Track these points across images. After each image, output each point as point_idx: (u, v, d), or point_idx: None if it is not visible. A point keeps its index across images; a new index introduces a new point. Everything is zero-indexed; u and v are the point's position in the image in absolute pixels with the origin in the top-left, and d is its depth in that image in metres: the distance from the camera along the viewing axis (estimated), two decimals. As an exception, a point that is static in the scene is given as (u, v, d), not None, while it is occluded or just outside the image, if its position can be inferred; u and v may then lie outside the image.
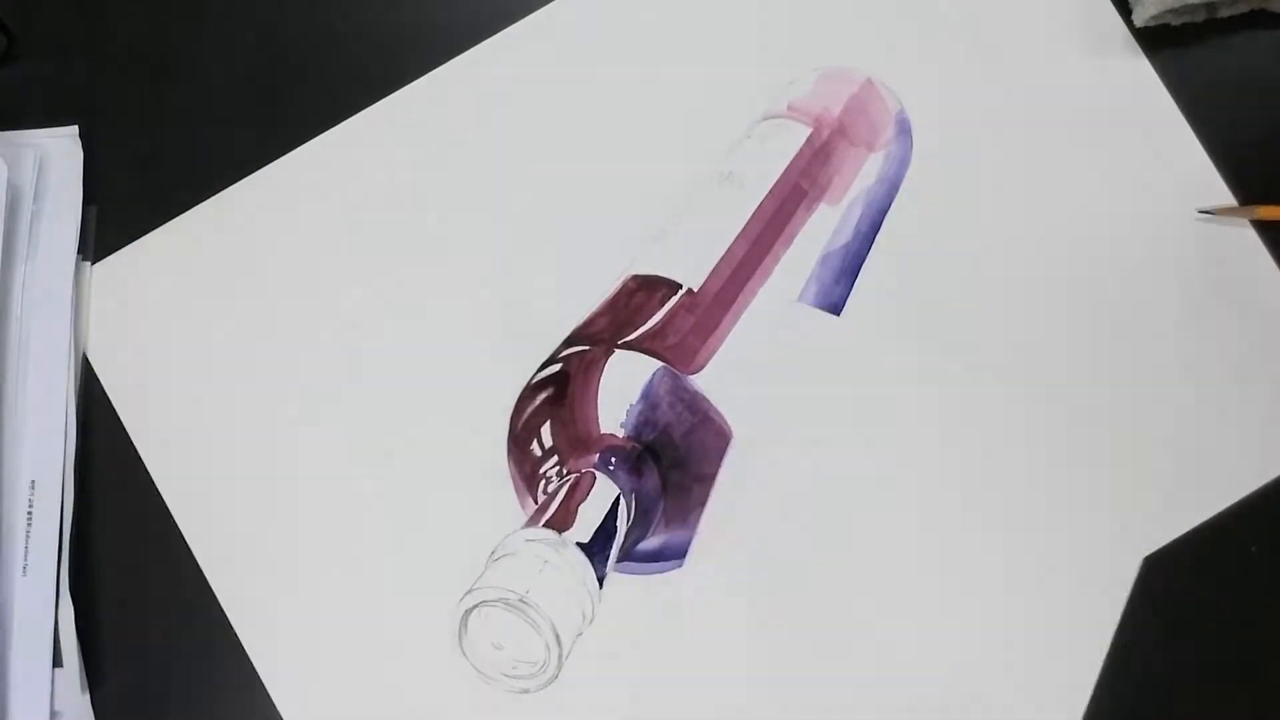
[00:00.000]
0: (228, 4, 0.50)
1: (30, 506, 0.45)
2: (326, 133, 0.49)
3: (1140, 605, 0.44)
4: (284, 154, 0.48)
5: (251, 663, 0.45)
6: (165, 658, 0.46)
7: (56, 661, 0.44)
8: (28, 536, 0.45)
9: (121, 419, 0.46)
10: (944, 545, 0.45)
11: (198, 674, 0.45)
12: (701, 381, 0.43)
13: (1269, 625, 0.45)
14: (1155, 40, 0.48)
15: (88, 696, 0.45)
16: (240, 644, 0.45)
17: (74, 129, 0.48)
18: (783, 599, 0.45)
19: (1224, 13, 0.47)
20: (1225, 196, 0.47)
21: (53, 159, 0.48)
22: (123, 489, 0.46)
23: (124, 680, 0.46)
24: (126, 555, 0.46)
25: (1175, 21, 0.47)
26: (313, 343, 0.47)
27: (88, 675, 0.45)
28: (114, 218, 0.48)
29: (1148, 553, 0.44)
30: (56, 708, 0.44)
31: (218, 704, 0.45)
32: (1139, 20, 0.47)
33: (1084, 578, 0.44)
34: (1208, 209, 0.47)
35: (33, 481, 0.45)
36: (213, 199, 0.48)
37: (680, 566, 0.44)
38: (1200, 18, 0.47)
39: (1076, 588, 0.44)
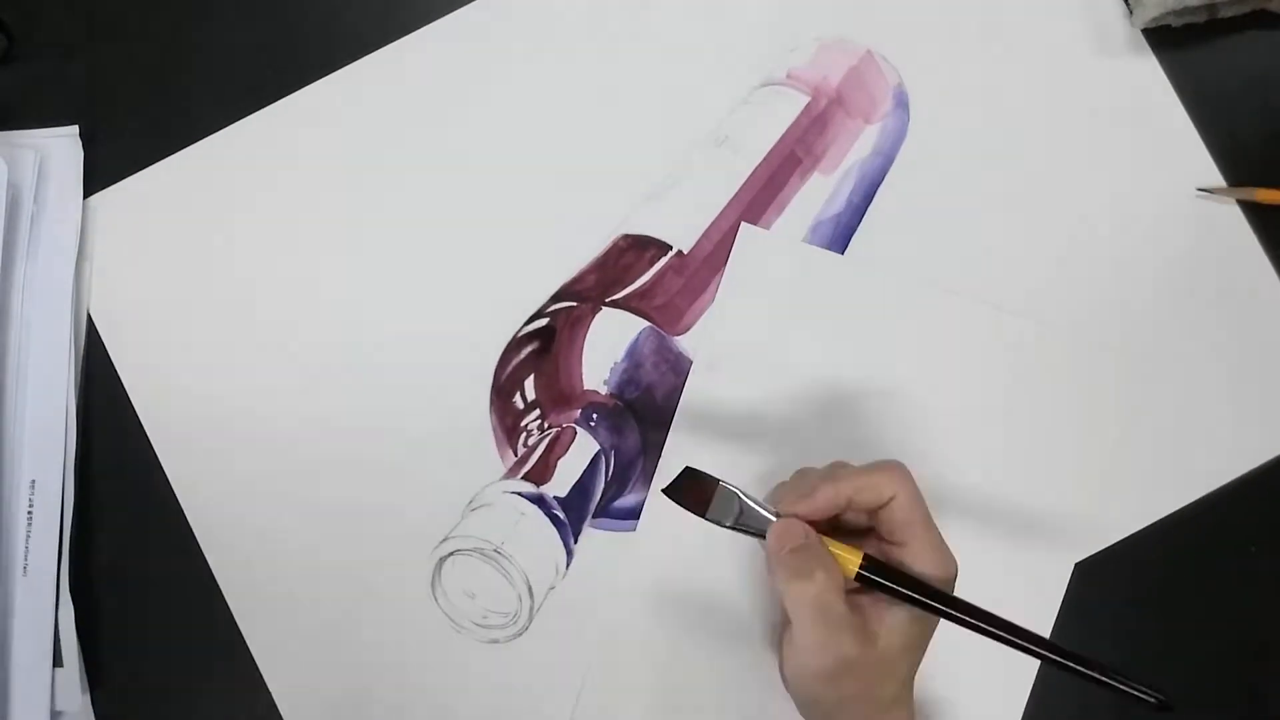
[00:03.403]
0: (227, 5, 0.50)
1: (30, 506, 0.44)
2: (323, 79, 0.48)
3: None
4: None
5: (252, 658, 0.44)
6: (165, 658, 0.45)
7: (56, 661, 0.44)
8: (28, 536, 0.44)
9: (121, 377, 0.46)
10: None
11: (198, 674, 0.45)
12: (686, 343, 0.43)
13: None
14: (1157, 39, 0.48)
15: (88, 696, 0.44)
16: (240, 635, 0.44)
17: (74, 129, 0.47)
18: (747, 564, 0.44)
19: (1225, 13, 0.47)
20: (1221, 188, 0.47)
21: (53, 159, 0.47)
22: (123, 490, 0.46)
23: (124, 680, 0.45)
24: (126, 555, 0.46)
25: (1176, 23, 0.47)
26: (299, 295, 0.47)
27: (88, 675, 0.45)
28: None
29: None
30: (56, 708, 0.44)
31: (217, 704, 0.45)
32: (1138, 23, 0.46)
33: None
34: (1206, 188, 0.47)
35: (33, 481, 0.45)
36: (207, 140, 0.48)
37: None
38: (1201, 19, 0.47)
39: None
